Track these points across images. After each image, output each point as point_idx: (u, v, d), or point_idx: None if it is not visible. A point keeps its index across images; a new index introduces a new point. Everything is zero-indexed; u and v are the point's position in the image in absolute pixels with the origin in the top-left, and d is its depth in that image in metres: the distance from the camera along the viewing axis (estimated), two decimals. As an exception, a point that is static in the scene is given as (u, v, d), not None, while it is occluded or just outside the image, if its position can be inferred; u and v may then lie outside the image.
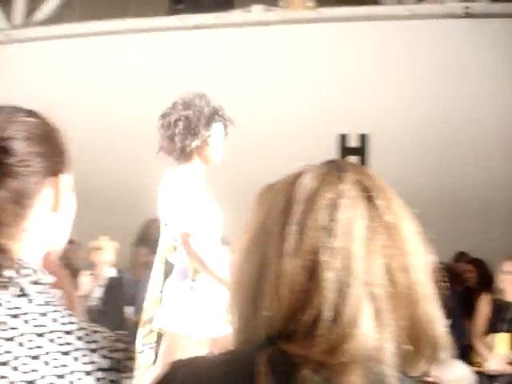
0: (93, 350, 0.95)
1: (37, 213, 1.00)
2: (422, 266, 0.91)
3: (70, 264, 6.05)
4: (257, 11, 7.81)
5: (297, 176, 0.94)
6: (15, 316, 0.93)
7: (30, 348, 0.91)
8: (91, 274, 5.48)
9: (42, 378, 0.91)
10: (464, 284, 6.13)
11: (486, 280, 5.53)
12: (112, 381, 0.95)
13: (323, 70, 7.36)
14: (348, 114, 7.16)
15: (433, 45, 7.27)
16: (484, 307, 5.02)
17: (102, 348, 0.96)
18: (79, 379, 0.93)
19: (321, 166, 0.95)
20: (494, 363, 4.77)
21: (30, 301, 0.94)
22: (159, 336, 3.48)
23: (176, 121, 3.26)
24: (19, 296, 0.94)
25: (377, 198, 0.91)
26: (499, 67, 7.10)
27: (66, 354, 0.93)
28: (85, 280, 5.44)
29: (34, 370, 0.90)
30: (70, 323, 0.96)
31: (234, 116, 3.57)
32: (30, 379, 0.90)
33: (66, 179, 1.05)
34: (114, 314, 5.43)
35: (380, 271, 0.87)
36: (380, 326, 0.85)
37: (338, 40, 7.49)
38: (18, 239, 0.97)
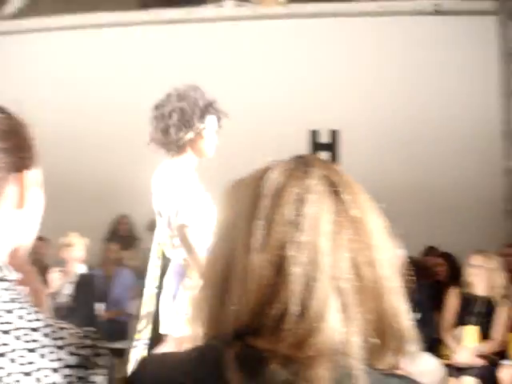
0: (60, 347, 0.94)
1: (1, 209, 0.99)
2: (388, 260, 0.92)
3: (39, 261, 5.99)
4: (229, 6, 7.80)
5: (264, 171, 0.94)
6: (-20, 314, 0.91)
7: (-5, 346, 0.90)
8: (61, 271, 5.42)
9: (9, 375, 0.90)
10: (434, 278, 6.21)
11: (455, 274, 5.60)
12: (80, 377, 0.94)
13: (294, 66, 7.38)
14: (319, 110, 7.19)
15: (403, 41, 7.34)
16: (452, 300, 5.08)
17: (69, 345, 0.95)
18: (46, 376, 0.92)
19: (288, 161, 0.96)
20: (462, 356, 4.83)
21: (-5, 298, 0.93)
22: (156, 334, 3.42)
23: (170, 112, 3.19)
24: (-16, 293, 0.93)
25: (343, 193, 0.91)
26: (468, 64, 7.19)
27: (32, 351, 0.92)
28: (54, 277, 5.38)
29: (0, 368, 0.89)
30: (37, 320, 0.95)
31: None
32: (-5, 377, 0.89)
33: (32, 175, 1.04)
34: (85, 311, 5.39)
35: (346, 265, 0.88)
36: (347, 320, 0.86)
37: (310, 36, 7.52)
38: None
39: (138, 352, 3.33)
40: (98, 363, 0.98)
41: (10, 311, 0.93)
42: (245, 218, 0.91)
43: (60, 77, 7.85)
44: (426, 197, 6.96)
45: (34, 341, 0.93)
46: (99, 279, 6.06)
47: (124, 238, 7.34)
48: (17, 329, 0.92)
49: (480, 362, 4.77)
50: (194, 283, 3.17)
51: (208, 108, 3.25)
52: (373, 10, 7.45)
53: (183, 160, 3.25)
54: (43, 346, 0.93)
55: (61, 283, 5.48)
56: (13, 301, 0.95)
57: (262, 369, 0.84)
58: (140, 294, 6.60)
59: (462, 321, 4.99)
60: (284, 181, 0.92)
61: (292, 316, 0.84)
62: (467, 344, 4.88)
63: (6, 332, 0.92)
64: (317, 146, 7.45)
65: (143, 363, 0.94)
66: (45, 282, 5.08)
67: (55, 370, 0.93)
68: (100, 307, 5.90)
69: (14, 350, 0.91)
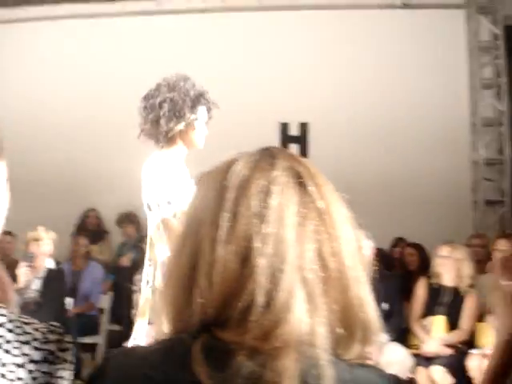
0: (24, 342, 0.93)
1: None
2: (353, 250, 0.92)
3: (7, 256, 5.92)
4: (199, -2, 7.76)
5: (230, 163, 0.94)
6: None
7: (-41, 342, 0.89)
8: (29, 266, 5.35)
9: None
10: (405, 268, 6.28)
11: (426, 264, 5.66)
12: (44, 372, 0.94)
13: (264, 59, 7.38)
14: (289, 102, 7.21)
15: (372, 35, 7.39)
16: (421, 291, 5.14)
17: (34, 340, 0.94)
18: (11, 372, 0.91)
19: (254, 153, 0.96)
20: (430, 345, 4.89)
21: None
22: None
23: (161, 103, 3.11)
24: None
25: (308, 185, 0.92)
26: (436, 57, 7.26)
27: (-4, 346, 0.91)
28: (23, 272, 5.30)
29: (-36, 364, 0.88)
30: (1, 315, 0.94)
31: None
32: (-40, 373, 0.88)
33: None
34: (54, 306, 5.33)
35: (312, 256, 0.88)
36: (313, 311, 0.86)
37: (279, 29, 7.52)
38: None
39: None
40: (64, 358, 0.98)
41: (-28, 307, 0.92)
42: (211, 210, 0.91)
43: (28, 70, 7.76)
44: (395, 188, 7.02)
45: (-2, 336, 0.92)
46: (68, 274, 6.00)
47: (92, 232, 7.28)
48: (-21, 325, 0.91)
49: (448, 352, 4.84)
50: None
51: (199, 98, 3.19)
52: (342, 3, 7.47)
53: (173, 151, 3.17)
54: (7, 342, 0.92)
55: (29, 278, 5.41)
56: (-25, 296, 0.93)
57: (229, 361, 0.84)
58: (110, 288, 6.59)
59: (430, 311, 5.05)
60: (249, 173, 0.92)
61: (258, 307, 0.85)
62: (436, 334, 4.95)
63: (-32, 328, 0.90)
64: (287, 139, 7.47)
65: (107, 357, 0.93)
66: (13, 277, 5.01)
67: (20, 366, 0.92)
68: (69, 302, 5.85)
69: (-23, 346, 0.90)
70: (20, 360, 0.92)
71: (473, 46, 7.41)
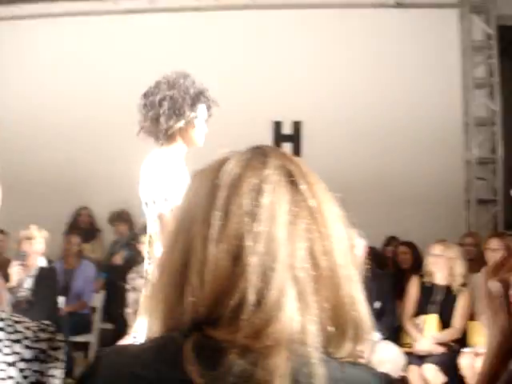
0: (15, 341, 0.93)
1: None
2: (344, 249, 0.92)
3: (-1, 254, 5.90)
4: (193, -4, 7.75)
5: (222, 162, 0.94)
6: None
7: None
8: (21, 265, 5.32)
9: None
10: (398, 267, 6.30)
11: (419, 263, 5.67)
12: (35, 371, 0.93)
13: (257, 57, 7.38)
14: (282, 101, 7.21)
15: (366, 34, 7.40)
16: (413, 289, 5.15)
17: (25, 338, 0.94)
18: (2, 370, 0.91)
19: (246, 151, 0.96)
20: (423, 344, 4.91)
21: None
22: None
23: (160, 100, 3.10)
24: None
25: (300, 183, 0.92)
26: (429, 56, 7.28)
27: (-14, 345, 0.91)
28: (15, 271, 5.28)
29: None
30: (-8, 314, 0.94)
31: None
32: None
33: None
34: (46, 305, 5.31)
35: (303, 255, 0.88)
36: (304, 309, 0.86)
37: (273, 27, 7.52)
38: None
39: None
40: (55, 356, 0.97)
41: (-37, 305, 0.92)
42: (202, 208, 0.91)
43: (17, 70, 7.74)
44: (388, 187, 7.03)
45: (-12, 335, 0.92)
46: (60, 272, 5.98)
47: (85, 231, 7.26)
48: (-29, 323, 0.91)
49: (440, 350, 4.86)
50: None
51: (199, 96, 3.18)
52: (335, 2, 7.48)
53: (173, 149, 3.16)
54: (-1, 340, 0.92)
55: (21, 277, 5.39)
56: (-34, 295, 0.93)
57: (221, 359, 0.84)
58: (102, 287, 6.58)
59: (422, 309, 5.06)
60: (241, 171, 0.92)
61: (249, 306, 0.84)
62: (428, 332, 4.96)
63: (-41, 326, 0.90)
64: (280, 137, 7.48)
65: (99, 356, 0.93)
66: (6, 276, 4.99)
67: (11, 364, 0.91)
68: (61, 300, 5.83)
69: (-33, 345, 0.89)
70: (11, 358, 0.92)
71: (466, 45, 7.44)
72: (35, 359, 0.93)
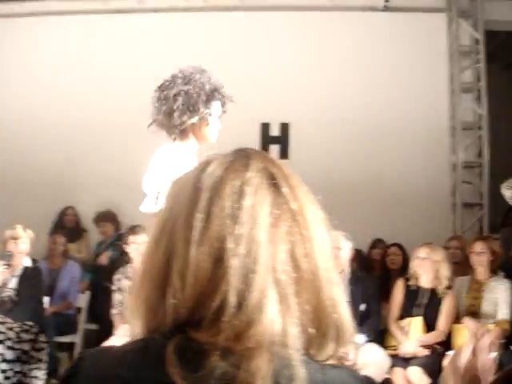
0: (-4, 341, 0.92)
1: None
2: (326, 251, 0.93)
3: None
4: (183, -3, 7.74)
5: (204, 165, 0.95)
6: None
7: None
8: (6, 265, 5.29)
9: None
10: (385, 269, 6.33)
11: (406, 265, 5.69)
12: (18, 372, 0.93)
13: (245, 59, 7.38)
14: (270, 103, 7.21)
15: (353, 37, 7.42)
16: (398, 292, 5.17)
17: (7, 339, 0.94)
18: (-17, 371, 0.90)
19: (229, 154, 0.96)
20: (408, 346, 4.92)
21: None
22: None
23: (175, 95, 3.05)
24: None
25: (282, 186, 0.92)
26: (417, 60, 7.32)
27: (-33, 345, 0.90)
28: (0, 270, 5.24)
29: None
30: (-27, 314, 0.93)
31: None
32: None
33: None
34: (31, 305, 5.27)
35: (284, 257, 0.88)
36: (285, 311, 0.86)
37: (261, 29, 7.53)
38: None
39: None
40: (38, 357, 0.97)
41: None
42: (185, 210, 0.91)
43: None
44: (374, 190, 7.06)
45: (-31, 335, 0.91)
46: (45, 272, 5.95)
47: (70, 230, 7.22)
48: (-49, 323, 0.91)
49: (425, 353, 4.87)
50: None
51: (214, 93, 3.16)
52: (323, 4, 7.50)
53: (185, 145, 3.11)
54: (-21, 341, 0.91)
55: (6, 277, 5.35)
56: None
57: (203, 361, 0.84)
58: (87, 287, 6.55)
59: (408, 312, 5.08)
60: (223, 174, 0.92)
61: (231, 308, 0.85)
62: (413, 335, 4.98)
63: None
64: (267, 139, 7.48)
65: (82, 357, 0.93)
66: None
67: (-9, 365, 0.91)
68: (46, 301, 5.80)
69: None
70: (-8, 359, 0.91)
71: (453, 49, 7.48)
72: (17, 360, 0.94)
